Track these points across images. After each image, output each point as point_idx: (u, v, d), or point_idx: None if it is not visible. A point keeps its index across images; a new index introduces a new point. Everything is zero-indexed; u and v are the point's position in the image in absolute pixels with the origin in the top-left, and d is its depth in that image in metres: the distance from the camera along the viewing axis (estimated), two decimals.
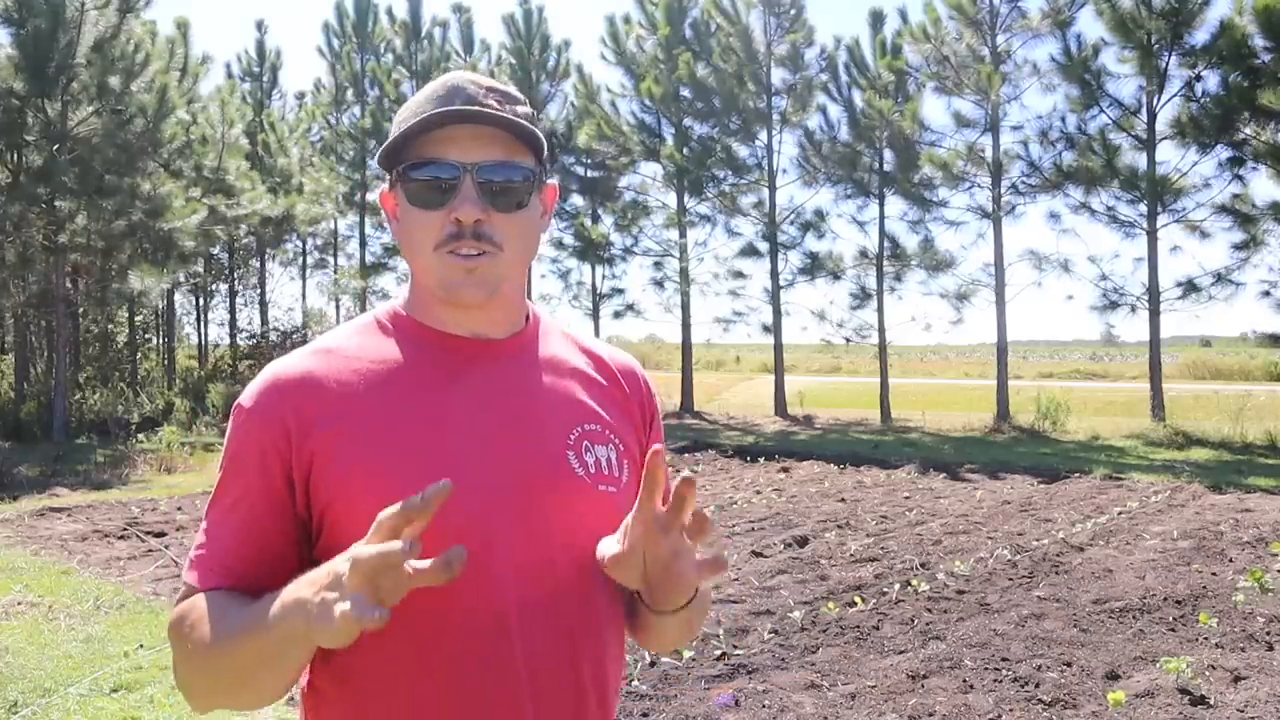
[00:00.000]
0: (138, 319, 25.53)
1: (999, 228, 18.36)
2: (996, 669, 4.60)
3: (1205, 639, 5.06)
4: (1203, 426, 15.40)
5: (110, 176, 15.23)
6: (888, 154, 19.65)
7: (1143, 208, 16.56)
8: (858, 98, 19.70)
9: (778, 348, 21.32)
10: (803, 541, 7.58)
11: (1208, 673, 4.51)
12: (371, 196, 22.69)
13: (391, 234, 1.23)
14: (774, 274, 20.72)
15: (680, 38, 21.08)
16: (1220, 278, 16.07)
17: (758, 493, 10.25)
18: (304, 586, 0.92)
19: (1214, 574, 6.47)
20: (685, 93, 21.13)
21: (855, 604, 5.71)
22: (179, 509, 9.10)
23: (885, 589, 6.05)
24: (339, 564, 0.89)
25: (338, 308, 27.73)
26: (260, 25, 27.65)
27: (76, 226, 15.35)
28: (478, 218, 1.08)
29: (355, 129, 24.12)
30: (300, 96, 29.24)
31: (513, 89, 1.16)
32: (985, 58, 18.10)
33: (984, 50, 18.17)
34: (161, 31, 17.14)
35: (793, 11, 20.25)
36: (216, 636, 1.00)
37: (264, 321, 27.44)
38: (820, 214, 20.67)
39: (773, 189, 20.94)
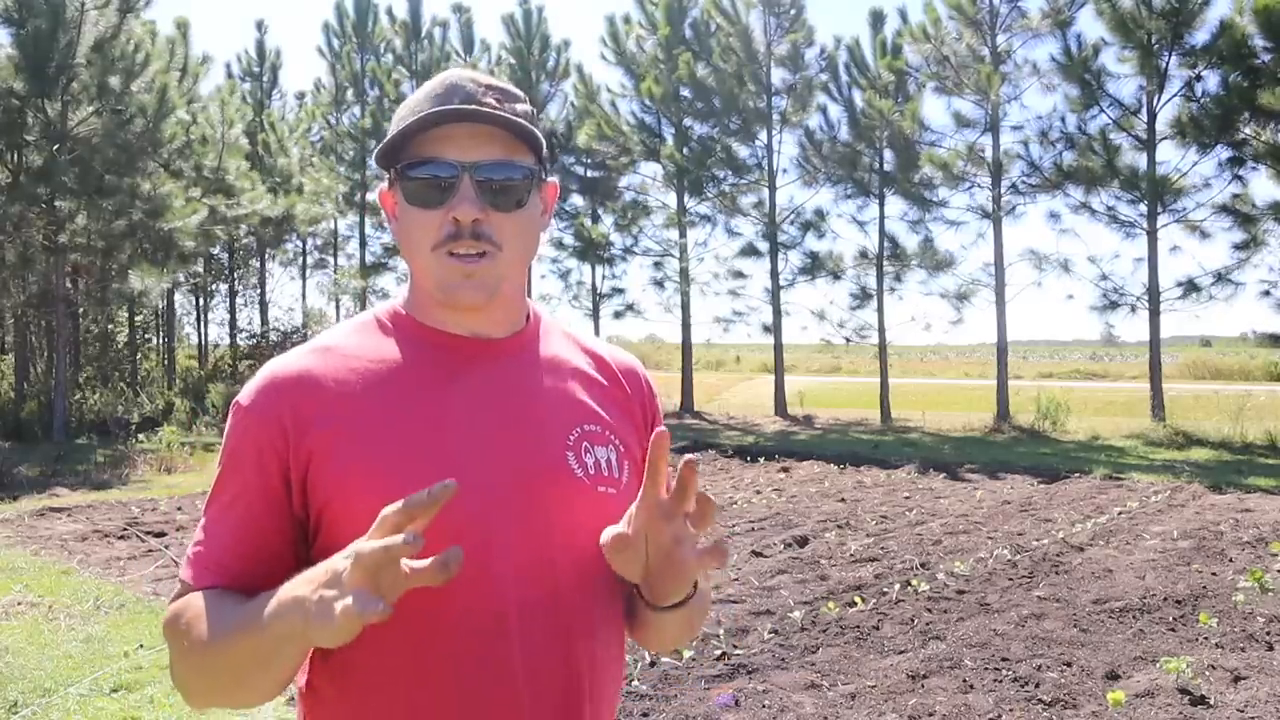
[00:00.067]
0: (138, 319, 25.54)
1: (999, 228, 18.36)
2: (996, 669, 4.60)
3: (1205, 639, 5.06)
4: (1203, 426, 15.40)
5: (110, 176, 15.23)
6: (888, 154, 19.66)
7: (1143, 208, 16.56)
8: (858, 98, 19.71)
9: (778, 348, 21.33)
10: (803, 541, 7.58)
11: (1208, 673, 4.51)
12: (371, 196, 22.69)
13: (391, 233, 1.23)
14: (774, 274, 20.73)
15: (680, 38, 21.08)
16: (1220, 277, 16.07)
17: (758, 493, 10.25)
18: (301, 585, 0.91)
19: (1214, 574, 6.47)
20: (685, 93, 21.13)
21: (855, 604, 5.71)
22: (179, 509, 9.10)
23: (885, 589, 6.05)
24: (337, 562, 0.88)
25: (338, 308, 27.76)
26: (260, 25, 27.67)
27: (76, 226, 15.35)
28: (476, 217, 1.08)
29: (355, 129, 24.13)
30: (300, 96, 29.27)
31: (512, 87, 1.16)
32: (985, 58, 18.10)
33: (984, 50, 18.18)
34: (161, 31, 17.14)
35: (793, 11, 20.26)
36: (212, 636, 1.00)
37: (264, 321, 27.46)
38: (820, 214, 20.71)
39: (773, 189, 20.94)
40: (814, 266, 20.39)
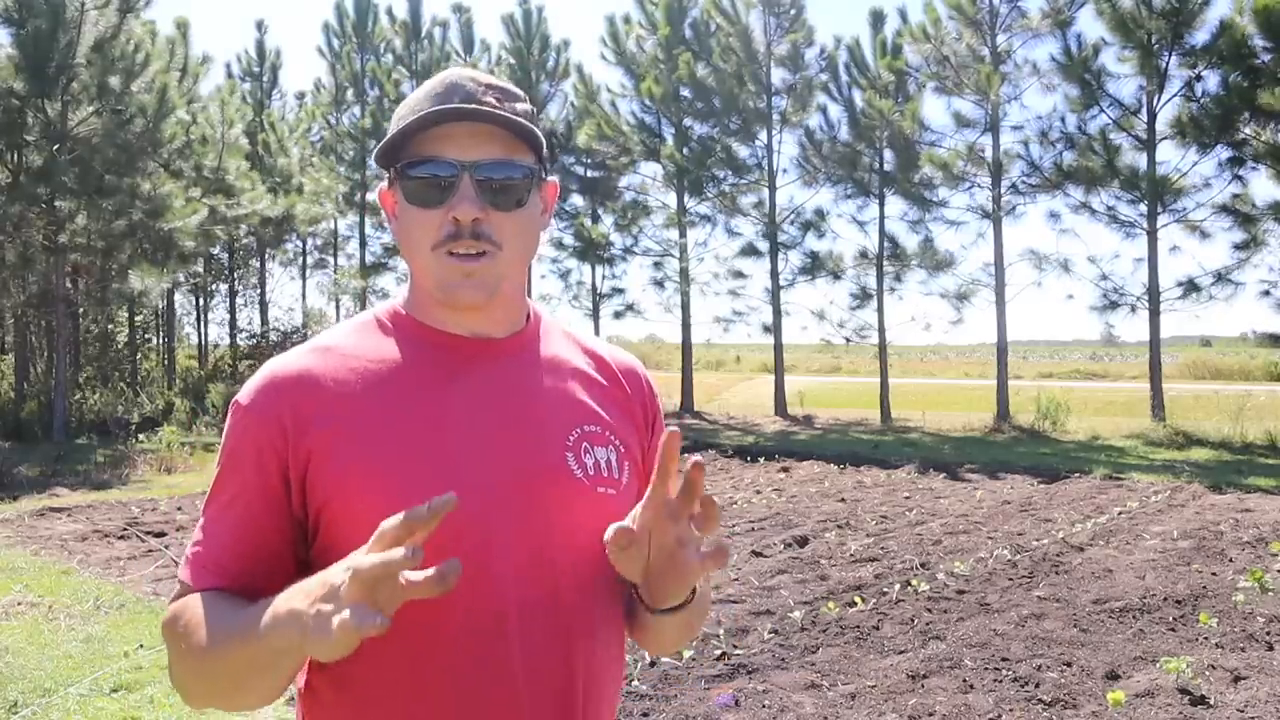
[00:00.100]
0: (138, 319, 25.54)
1: (999, 228, 18.36)
2: (996, 669, 4.60)
3: (1205, 639, 5.06)
4: (1203, 426, 15.40)
5: (110, 176, 15.23)
6: (888, 154, 19.66)
7: (1143, 208, 16.56)
8: (858, 97, 19.71)
9: (778, 348, 21.33)
10: (803, 541, 7.58)
11: (1208, 673, 4.51)
12: (371, 196, 22.70)
13: (390, 232, 1.23)
14: (774, 274, 20.73)
15: (680, 38, 21.08)
16: (1220, 277, 16.07)
17: (758, 493, 10.25)
18: (297, 597, 0.89)
19: (1214, 574, 6.47)
20: (685, 93, 21.13)
21: (855, 604, 5.71)
22: (179, 509, 9.10)
23: (885, 589, 6.05)
24: (333, 575, 0.87)
25: (338, 308, 27.76)
26: (260, 25, 27.67)
27: (76, 226, 15.35)
28: (476, 216, 1.08)
29: (355, 129, 24.13)
30: (300, 96, 29.27)
31: (512, 86, 1.15)
32: (985, 58, 18.10)
33: (984, 50, 18.18)
34: (161, 31, 17.14)
35: (793, 11, 20.26)
36: (210, 642, 1.00)
37: (264, 321, 27.46)
38: (820, 213, 20.70)
39: (773, 189, 20.94)
40: (814, 266, 20.40)
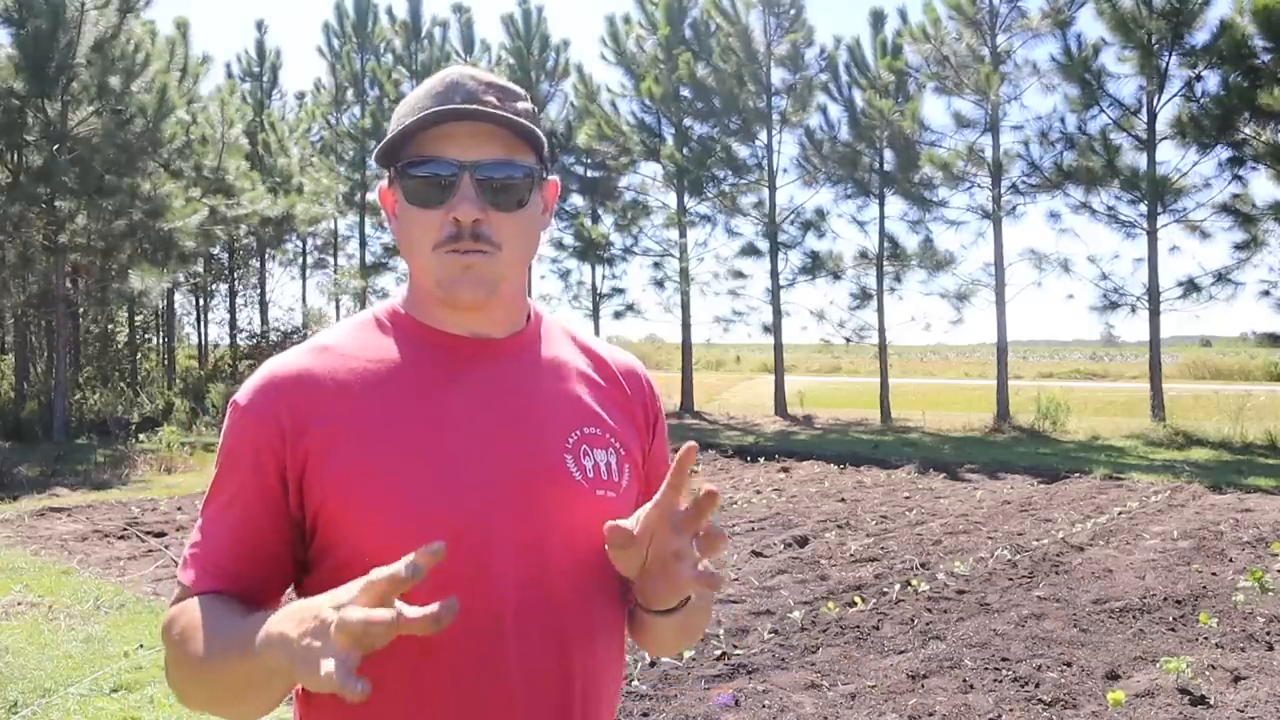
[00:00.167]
0: (138, 319, 25.54)
1: (999, 228, 18.36)
2: (996, 669, 4.60)
3: (1205, 639, 5.06)
4: (1203, 426, 15.40)
5: (110, 176, 15.23)
6: (888, 154, 19.66)
7: (1143, 208, 16.56)
8: (858, 97, 19.71)
9: (778, 348, 21.33)
10: (803, 541, 7.58)
11: (1208, 673, 4.51)
12: (371, 196, 22.70)
13: (390, 231, 1.22)
14: (774, 274, 20.73)
15: (680, 38, 21.08)
16: (1220, 277, 16.08)
17: (758, 493, 10.25)
18: (289, 623, 0.88)
19: (1214, 574, 6.47)
20: (685, 93, 21.13)
21: (855, 604, 5.71)
22: (179, 509, 9.09)
23: (885, 589, 6.05)
24: (324, 610, 0.85)
25: (338, 308, 27.75)
26: (260, 25, 27.66)
27: (76, 226, 15.35)
28: (476, 217, 1.07)
29: (355, 129, 24.14)
30: (300, 96, 29.26)
31: (513, 85, 1.15)
32: (985, 58, 18.10)
33: (984, 50, 18.18)
34: (161, 31, 17.13)
35: (792, 11, 20.26)
36: (207, 653, 0.99)
37: (264, 321, 27.45)
38: (820, 213, 20.69)
39: (773, 189, 20.94)
40: (814, 266, 20.40)
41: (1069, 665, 4.65)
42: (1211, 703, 4.14)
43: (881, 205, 19.83)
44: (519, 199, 1.11)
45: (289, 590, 1.13)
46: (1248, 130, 15.28)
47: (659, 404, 1.31)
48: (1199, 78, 15.71)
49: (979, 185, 18.54)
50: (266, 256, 28.01)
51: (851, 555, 7.07)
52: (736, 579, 6.31)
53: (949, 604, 5.75)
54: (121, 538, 7.79)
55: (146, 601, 5.85)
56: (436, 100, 1.09)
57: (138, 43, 15.43)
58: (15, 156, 15.12)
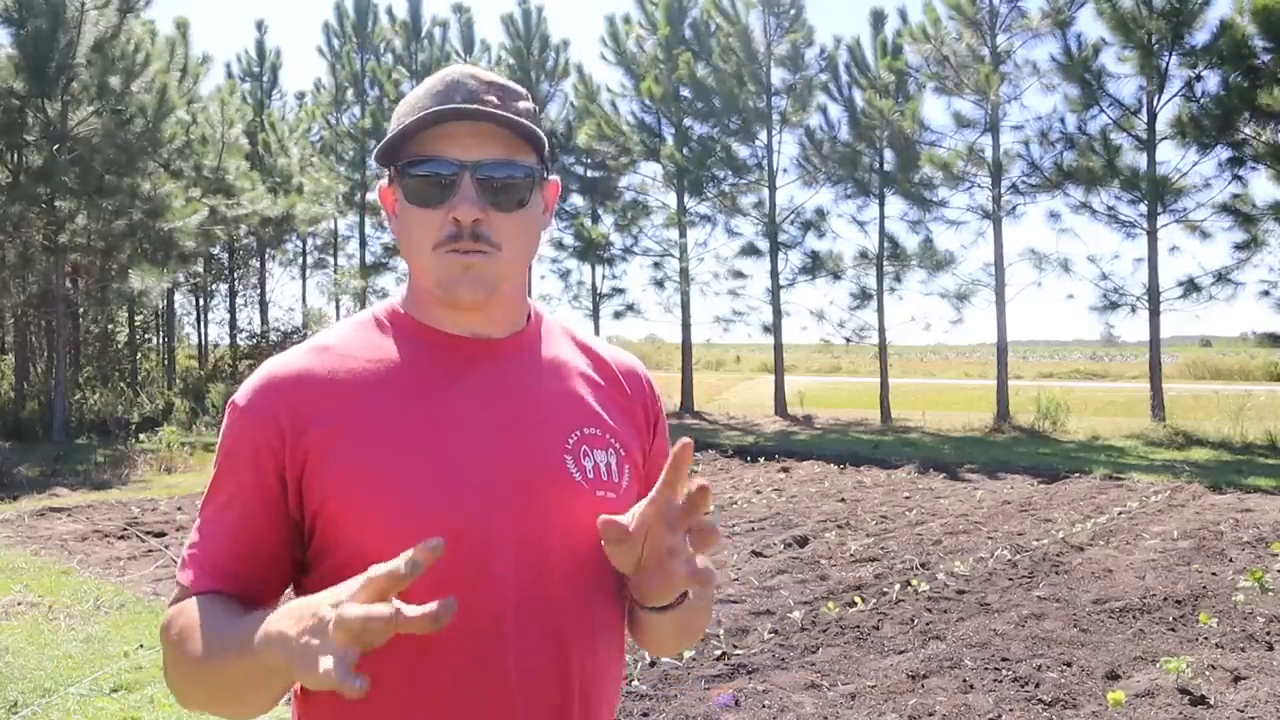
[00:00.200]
0: (138, 319, 25.53)
1: (999, 228, 18.36)
2: (996, 669, 4.60)
3: (1205, 639, 5.06)
4: (1203, 426, 15.40)
5: (110, 176, 15.23)
6: (888, 154, 19.66)
7: (1143, 208, 16.56)
8: (858, 97, 19.71)
9: (778, 348, 21.33)
10: (803, 541, 7.58)
11: (1208, 673, 4.51)
12: (371, 196, 22.70)
13: (390, 230, 1.22)
14: (774, 274, 20.73)
15: (680, 38, 21.08)
16: (1220, 277, 16.08)
17: (758, 493, 10.25)
18: (288, 621, 0.88)
19: (1214, 574, 6.47)
20: (685, 93, 21.13)
21: (855, 604, 5.70)
22: (179, 509, 9.09)
23: (885, 589, 6.05)
24: (322, 608, 0.86)
25: (338, 308, 27.75)
26: (260, 25, 27.66)
27: (76, 226, 15.35)
28: (476, 217, 1.07)
29: (355, 129, 24.14)
30: (300, 96, 29.26)
31: (514, 84, 1.14)
32: (985, 58, 18.10)
33: (984, 50, 18.18)
34: (161, 31, 17.13)
35: (792, 11, 20.26)
36: (205, 653, 0.99)
37: (264, 321, 27.46)
38: (821, 213, 20.68)
39: (773, 189, 20.94)
40: (814, 266, 20.39)
41: (1069, 665, 4.65)
42: (1211, 703, 4.14)
43: (881, 205, 19.84)
44: (520, 199, 1.10)
45: (288, 590, 1.13)
46: (1248, 130, 15.29)
47: (659, 404, 1.30)
48: (1199, 78, 15.71)
49: (979, 185, 18.55)
50: (266, 256, 28.01)
51: (851, 555, 7.07)
52: (736, 579, 6.31)
53: (949, 604, 5.75)
54: (121, 538, 7.79)
55: (146, 601, 5.85)
56: (437, 99, 1.09)
57: (138, 43, 15.43)
58: (15, 156, 15.13)
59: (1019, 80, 17.93)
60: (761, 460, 13.30)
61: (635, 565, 1.05)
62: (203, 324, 29.17)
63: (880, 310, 19.96)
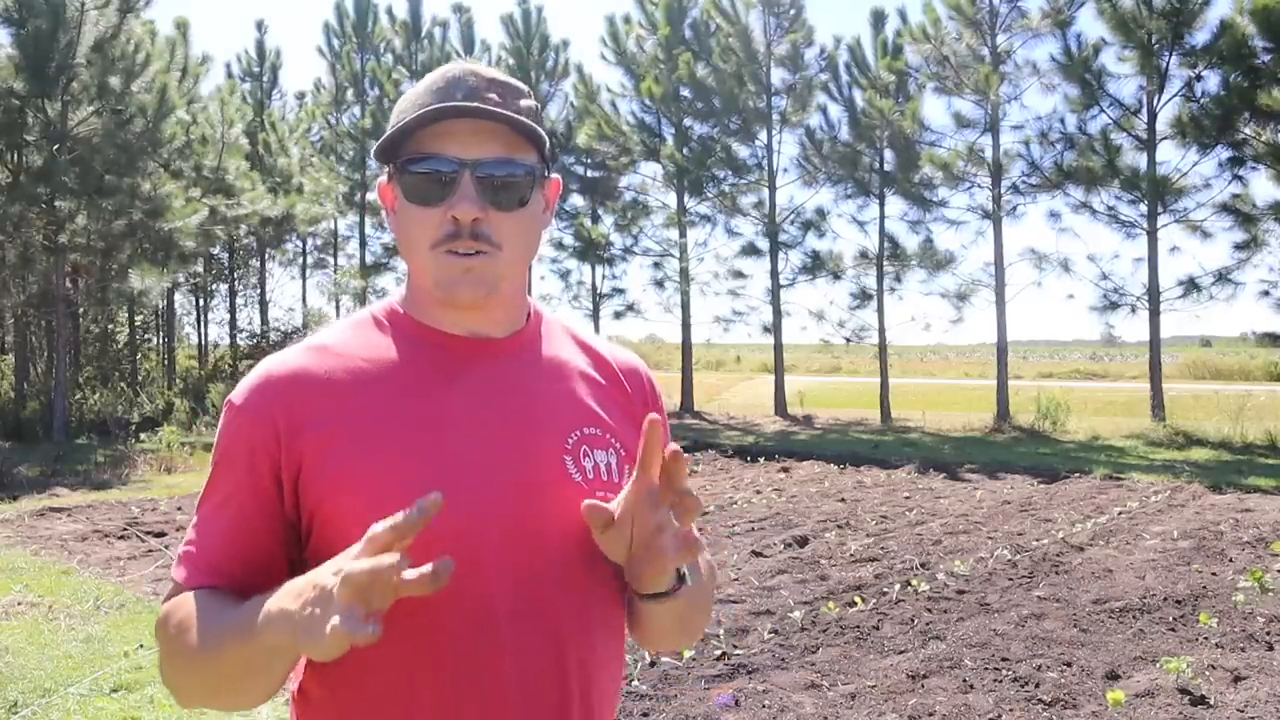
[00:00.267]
0: (138, 319, 25.54)
1: (999, 227, 18.36)
2: (996, 669, 4.60)
3: (1205, 639, 5.06)
4: (1203, 426, 15.40)
5: (110, 176, 15.23)
6: (888, 154, 19.66)
7: (1143, 208, 16.56)
8: (858, 97, 19.71)
9: (778, 348, 21.33)
10: (803, 541, 7.58)
11: (1208, 673, 4.51)
12: (371, 196, 22.71)
13: (389, 227, 1.22)
14: (774, 274, 20.73)
15: (680, 38, 21.08)
16: (1220, 277, 16.07)
17: (758, 493, 10.25)
18: (289, 599, 0.89)
19: (1214, 574, 6.47)
20: (685, 93, 21.13)
21: (855, 604, 5.70)
22: (179, 509, 9.09)
23: (885, 589, 6.05)
24: (324, 576, 0.87)
25: (338, 308, 27.75)
26: (260, 25, 27.66)
27: (76, 226, 15.35)
28: (476, 216, 1.06)
29: (355, 129, 24.14)
30: (300, 96, 29.27)
31: (515, 81, 1.13)
32: (985, 58, 18.10)
33: (984, 50, 18.18)
34: (161, 31, 17.14)
35: (792, 11, 20.26)
36: (203, 642, 0.99)
37: (264, 321, 27.46)
38: (821, 212, 20.68)
39: (773, 189, 20.94)
40: (814, 266, 20.39)
41: (1069, 665, 4.65)
42: (1211, 703, 4.14)
43: (881, 205, 19.84)
44: (520, 197, 1.10)
45: None
46: (1248, 130, 15.29)
47: (661, 403, 1.29)
48: (1199, 78, 15.71)
49: (979, 185, 18.55)
50: (266, 256, 28.02)
51: (851, 555, 7.07)
52: (736, 579, 6.31)
53: (949, 604, 5.75)
54: (121, 538, 7.79)
55: (146, 601, 5.85)
56: (437, 96, 1.08)
57: (138, 43, 15.43)
58: (15, 156, 15.13)
59: (1019, 80, 17.95)
60: (761, 460, 13.30)
61: (627, 552, 1.05)
62: (203, 324, 29.21)
63: (880, 310, 19.97)
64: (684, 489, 0.99)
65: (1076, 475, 11.42)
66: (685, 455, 1.00)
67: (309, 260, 29.83)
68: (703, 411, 21.86)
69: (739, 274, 21.57)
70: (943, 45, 18.24)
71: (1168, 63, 15.84)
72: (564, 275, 23.36)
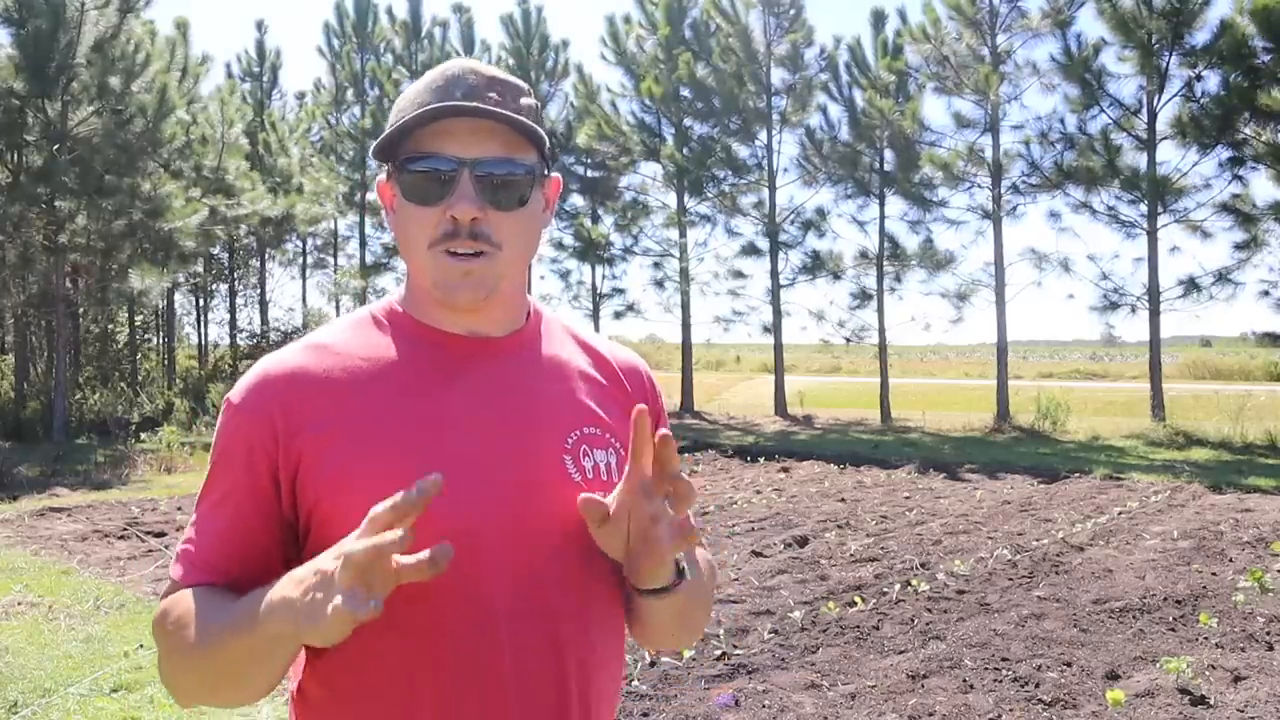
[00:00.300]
0: (138, 319, 25.54)
1: (999, 227, 18.36)
2: (996, 669, 4.60)
3: (1205, 639, 5.06)
4: (1203, 426, 15.40)
5: (110, 176, 15.23)
6: (888, 154, 19.66)
7: (1143, 208, 16.56)
8: (859, 97, 19.71)
9: (778, 348, 21.33)
10: (803, 541, 7.58)
11: (1208, 673, 4.51)
12: (371, 196, 22.72)
13: (388, 225, 1.21)
14: (774, 274, 20.74)
15: (680, 38, 21.09)
16: (1220, 277, 16.08)
17: (758, 493, 10.25)
18: (290, 586, 0.90)
19: (1214, 574, 6.47)
20: (685, 93, 21.13)
21: (855, 604, 5.70)
22: (179, 509, 9.09)
23: (885, 589, 6.05)
24: (325, 562, 0.88)
25: (338, 308, 27.74)
26: (260, 25, 27.66)
27: (76, 226, 15.35)
28: (474, 215, 1.05)
29: (355, 129, 24.15)
30: (300, 96, 29.27)
31: (515, 79, 1.13)
32: (985, 58, 18.11)
33: (984, 50, 18.18)
34: (161, 31, 17.15)
35: (792, 11, 20.26)
36: (202, 636, 0.99)
37: (264, 321, 27.46)
38: (821, 213, 20.67)
39: (773, 189, 20.95)
40: (814, 266, 20.39)
41: (1069, 665, 4.65)
42: (1211, 703, 4.14)
43: (881, 205, 19.84)
44: (520, 196, 1.09)
45: None
46: (1248, 130, 15.29)
47: (661, 402, 1.29)
48: (1199, 78, 15.72)
49: (979, 185, 18.55)
50: (266, 256, 28.02)
51: (851, 555, 7.06)
52: (736, 579, 6.31)
53: (949, 604, 5.75)
54: (121, 538, 7.79)
55: (146, 601, 5.85)
56: (436, 95, 1.08)
57: (138, 43, 15.43)
58: (15, 156, 15.13)
59: (1019, 80, 17.96)
60: (761, 460, 13.29)
61: (625, 547, 1.05)
62: (203, 324, 29.22)
63: (880, 310, 19.97)
64: (676, 474, 0.99)
65: (1076, 475, 11.42)
66: (682, 451, 1.00)
67: (309, 260, 29.87)
68: (703, 411, 21.85)
69: (739, 274, 21.59)
70: (943, 45, 18.24)
71: (1168, 63, 15.84)
72: (564, 275, 23.39)
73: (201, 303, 28.92)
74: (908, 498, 9.94)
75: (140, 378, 23.11)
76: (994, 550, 7.19)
